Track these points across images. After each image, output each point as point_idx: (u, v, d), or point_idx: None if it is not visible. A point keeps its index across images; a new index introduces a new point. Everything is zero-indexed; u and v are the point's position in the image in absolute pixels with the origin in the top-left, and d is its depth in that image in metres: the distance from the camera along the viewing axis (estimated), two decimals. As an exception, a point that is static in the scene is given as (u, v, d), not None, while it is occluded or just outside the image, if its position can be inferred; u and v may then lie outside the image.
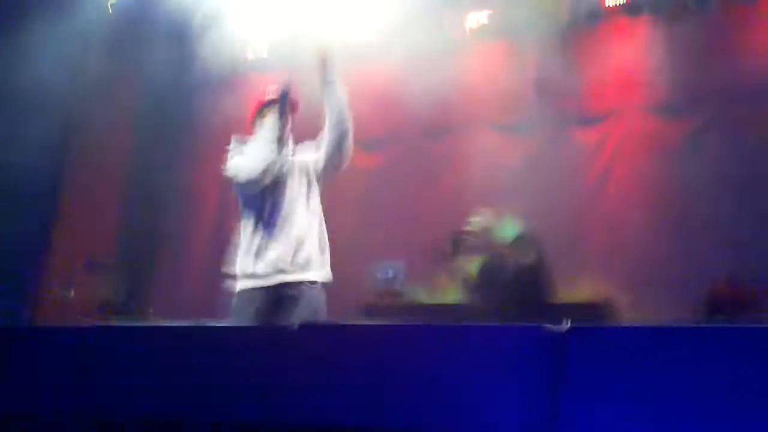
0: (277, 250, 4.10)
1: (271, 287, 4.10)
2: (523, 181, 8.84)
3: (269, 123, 4.20)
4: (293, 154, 4.29)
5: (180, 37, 9.01)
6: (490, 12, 9.28)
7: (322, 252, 4.22)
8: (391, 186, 9.35)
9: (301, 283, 4.09)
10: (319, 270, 4.16)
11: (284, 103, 4.22)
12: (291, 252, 4.11)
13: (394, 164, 9.55)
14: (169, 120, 10.37)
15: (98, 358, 3.38)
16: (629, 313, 7.41)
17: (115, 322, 7.98)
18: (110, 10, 9.22)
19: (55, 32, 8.63)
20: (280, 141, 4.16)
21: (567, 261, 8.40)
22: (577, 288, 8.12)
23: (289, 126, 4.24)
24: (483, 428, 2.37)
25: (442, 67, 9.21)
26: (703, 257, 7.70)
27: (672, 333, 2.49)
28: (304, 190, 4.25)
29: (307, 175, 4.29)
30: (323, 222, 4.26)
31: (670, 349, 2.43)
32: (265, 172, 4.08)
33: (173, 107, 10.37)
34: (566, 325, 2.37)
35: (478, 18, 9.36)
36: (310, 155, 4.33)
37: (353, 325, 3.09)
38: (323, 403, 2.60)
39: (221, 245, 9.92)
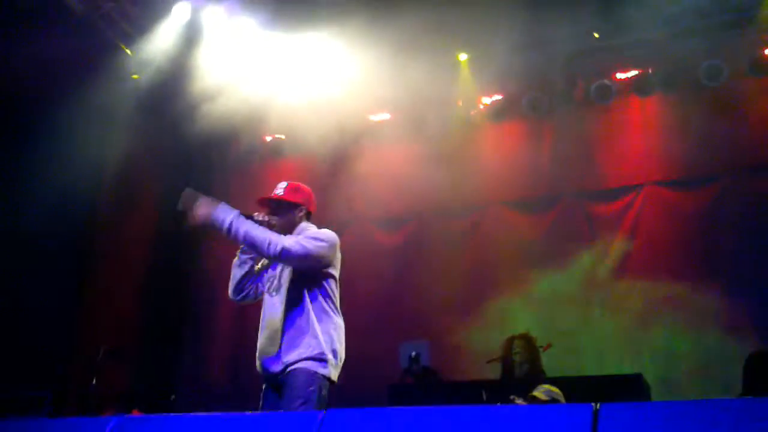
0: (259, 344, 4.27)
1: (267, 377, 4.20)
2: (542, 255, 8.87)
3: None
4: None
5: (200, 121, 9.17)
6: (503, 93, 9.42)
7: (301, 338, 4.13)
8: (412, 264, 9.37)
9: (282, 371, 4.10)
10: (296, 356, 4.09)
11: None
12: (268, 343, 4.19)
13: (414, 242, 9.59)
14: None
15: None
16: (661, 387, 7.33)
17: (136, 412, 7.95)
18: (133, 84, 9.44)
19: (74, 122, 8.84)
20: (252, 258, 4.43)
21: (592, 333, 8.38)
22: (606, 361, 8.08)
23: None
24: None
25: (457, 146, 9.37)
26: (740, 326, 7.66)
27: (707, 408, 2.46)
28: (275, 284, 4.32)
29: (280, 273, 4.35)
30: (307, 311, 4.18)
31: (704, 426, 2.40)
32: (235, 290, 4.49)
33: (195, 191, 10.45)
34: (596, 405, 2.36)
35: (491, 98, 9.49)
36: None
37: (380, 410, 3.07)
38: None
39: (243, 332, 9.99)
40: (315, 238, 4.21)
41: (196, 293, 10.39)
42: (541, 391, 5.59)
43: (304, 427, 3.01)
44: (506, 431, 2.47)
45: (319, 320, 4.16)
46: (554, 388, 5.62)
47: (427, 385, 7.63)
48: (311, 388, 3.99)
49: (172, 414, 3.60)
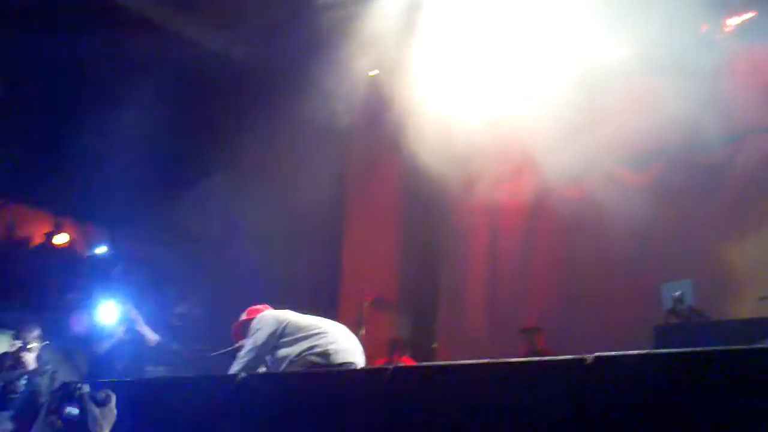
0: None
1: None
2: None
3: None
4: None
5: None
6: (752, 14, 8.69)
7: None
8: (666, 201, 8.95)
9: None
10: None
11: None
12: None
13: (666, 179, 9.16)
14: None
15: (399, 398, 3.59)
16: None
17: (406, 359, 8.38)
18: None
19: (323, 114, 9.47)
20: None
21: None
22: None
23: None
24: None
25: (706, 74, 8.77)
26: None
27: None
28: None
29: None
30: None
31: None
32: None
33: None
34: None
35: (741, 18, 8.80)
36: None
37: (647, 353, 3.04)
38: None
39: (495, 282, 10.11)
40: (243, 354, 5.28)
41: (449, 248, 10.66)
42: None
43: (570, 370, 3.05)
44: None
45: None
46: None
47: (695, 326, 7.33)
48: None
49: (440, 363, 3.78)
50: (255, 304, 5.61)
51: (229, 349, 5.46)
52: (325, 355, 5.03)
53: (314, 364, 5.01)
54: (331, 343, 5.10)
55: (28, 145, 10.53)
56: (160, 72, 10.13)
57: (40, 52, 9.82)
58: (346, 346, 5.15)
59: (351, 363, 5.09)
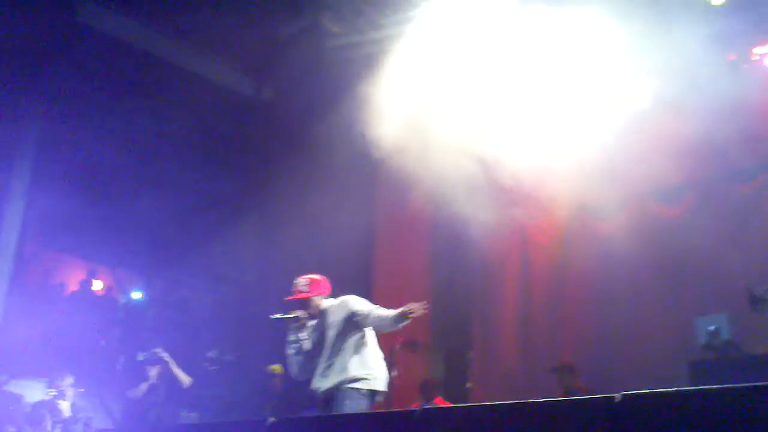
0: None
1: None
2: None
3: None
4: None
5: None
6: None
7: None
8: (698, 233, 8.82)
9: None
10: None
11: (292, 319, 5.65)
12: None
13: (698, 210, 9.05)
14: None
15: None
16: None
17: (440, 400, 8.31)
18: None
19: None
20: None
21: None
22: None
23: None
24: None
25: (735, 103, 8.70)
26: None
27: None
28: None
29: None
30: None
31: None
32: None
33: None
34: None
35: (765, 49, 8.75)
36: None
37: (680, 391, 2.98)
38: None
39: (527, 319, 10.02)
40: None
41: (480, 286, 10.60)
42: None
43: (600, 409, 3.01)
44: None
45: None
46: None
47: (733, 361, 7.17)
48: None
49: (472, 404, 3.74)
50: (309, 274, 5.78)
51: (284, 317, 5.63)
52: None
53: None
54: None
55: (62, 193, 10.70)
56: (191, 118, 10.28)
57: (70, 97, 10.04)
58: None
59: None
